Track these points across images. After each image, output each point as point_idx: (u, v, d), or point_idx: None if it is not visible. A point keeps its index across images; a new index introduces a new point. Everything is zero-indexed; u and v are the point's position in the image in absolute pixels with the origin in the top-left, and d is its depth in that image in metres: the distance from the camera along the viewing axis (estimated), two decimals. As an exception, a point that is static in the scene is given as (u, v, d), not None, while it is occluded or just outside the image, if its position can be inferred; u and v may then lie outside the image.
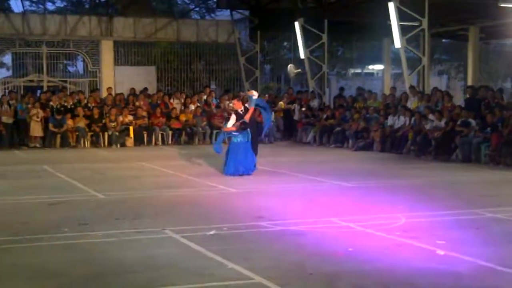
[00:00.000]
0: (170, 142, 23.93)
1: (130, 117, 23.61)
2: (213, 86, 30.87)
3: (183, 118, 24.40)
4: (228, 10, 31.28)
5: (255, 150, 15.35)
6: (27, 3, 36.17)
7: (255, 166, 15.17)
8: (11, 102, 23.02)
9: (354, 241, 8.31)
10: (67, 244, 8.26)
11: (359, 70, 48.27)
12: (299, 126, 25.20)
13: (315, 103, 26.06)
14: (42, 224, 9.47)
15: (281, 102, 26.29)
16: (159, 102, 25.02)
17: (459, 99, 29.02)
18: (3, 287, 6.43)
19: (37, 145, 22.64)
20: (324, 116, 24.11)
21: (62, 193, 12.46)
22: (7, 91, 26.62)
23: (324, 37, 26.73)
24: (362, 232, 8.83)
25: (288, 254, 7.68)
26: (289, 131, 25.97)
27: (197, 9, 38.00)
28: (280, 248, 7.96)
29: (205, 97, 26.10)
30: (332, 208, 10.58)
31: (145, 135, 23.60)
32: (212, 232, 8.77)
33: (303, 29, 26.51)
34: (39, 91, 27.75)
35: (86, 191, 12.78)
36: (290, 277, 6.69)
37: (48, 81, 29.00)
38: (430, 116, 19.54)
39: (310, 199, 11.63)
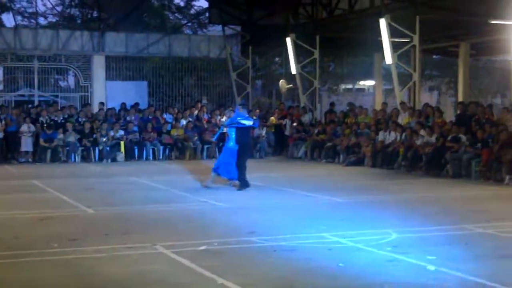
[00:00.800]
0: (161, 157, 23.90)
1: (121, 132, 23.57)
2: (204, 101, 30.88)
3: (174, 133, 24.38)
4: (220, 26, 31.37)
5: (242, 165, 15.25)
6: (19, 17, 36.24)
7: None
8: (2, 116, 22.95)
9: (345, 256, 8.30)
10: (57, 260, 8.23)
11: (350, 86, 48.37)
12: (290, 141, 25.22)
13: (306, 119, 26.11)
14: (32, 239, 9.44)
15: (272, 118, 26.30)
16: (150, 117, 25.00)
17: (450, 115, 29.11)
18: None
19: (28, 160, 22.58)
20: (316, 131, 24.16)
21: (52, 208, 12.43)
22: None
23: (316, 53, 26.81)
24: (353, 247, 8.83)
25: (279, 269, 7.66)
26: (281, 146, 25.99)
27: (189, 24, 38.10)
28: (271, 264, 7.94)
29: (196, 112, 26.10)
30: (323, 223, 10.56)
31: (136, 150, 23.56)
32: (203, 248, 8.75)
33: (295, 45, 26.59)
34: (30, 106, 27.70)
35: (77, 206, 12.74)
36: (280, 293, 6.67)
37: (39, 96, 28.98)
38: (421, 132, 19.60)
39: (302, 214, 11.63)
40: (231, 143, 15.26)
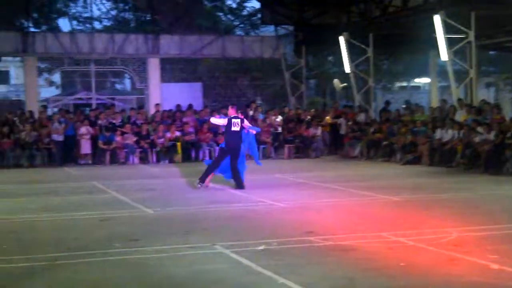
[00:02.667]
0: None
1: (178, 133, 23.81)
2: (258, 101, 31.00)
3: (229, 133, 24.44)
4: (273, 26, 31.41)
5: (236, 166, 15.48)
6: (75, 22, 36.99)
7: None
8: (61, 120, 23.43)
9: (406, 256, 8.23)
10: (119, 260, 8.35)
11: (405, 84, 47.94)
12: (345, 141, 25.13)
13: (361, 117, 25.97)
14: (94, 240, 9.60)
15: (327, 117, 26.26)
16: (206, 118, 25.18)
17: (508, 112, 28.59)
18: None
19: (87, 162, 22.99)
20: (371, 130, 24.01)
21: (112, 209, 12.62)
22: (57, 109, 27.11)
23: (370, 51, 26.65)
24: (413, 247, 8.75)
25: (339, 269, 7.65)
26: (336, 146, 25.92)
27: (241, 25, 38.25)
28: (331, 263, 7.93)
29: (251, 112, 26.19)
30: (382, 222, 10.51)
31: (193, 151, 23.77)
32: (261, 247, 8.78)
33: (348, 43, 26.47)
34: (87, 109, 28.20)
35: (136, 207, 12.91)
36: (342, 292, 6.65)
37: (97, 99, 29.48)
38: (479, 129, 19.30)
39: (359, 214, 11.59)
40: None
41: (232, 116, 15.59)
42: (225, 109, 26.28)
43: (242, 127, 15.56)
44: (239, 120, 15.52)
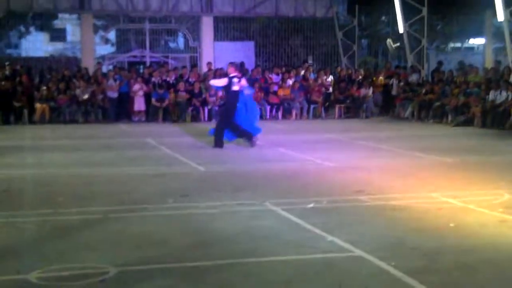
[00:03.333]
0: (267, 116, 24.14)
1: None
2: (310, 61, 30.87)
3: (281, 93, 24.53)
4: (326, -15, 31.10)
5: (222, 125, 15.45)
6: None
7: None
8: (116, 77, 23.74)
9: (455, 216, 8.23)
10: (170, 215, 8.54)
11: (458, 45, 47.03)
12: (397, 101, 24.93)
13: (413, 78, 25.69)
14: (146, 195, 9.80)
15: (380, 77, 26.05)
16: (258, 77, 25.21)
17: None
18: (112, 253, 6.71)
19: (141, 119, 23.32)
20: (423, 91, 23.76)
21: (164, 166, 12.83)
22: (111, 66, 27.46)
23: (424, 11, 26.24)
24: (464, 208, 8.74)
25: (389, 228, 7.70)
26: (387, 106, 25.74)
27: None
28: (381, 223, 7.99)
29: (302, 72, 26.12)
30: (432, 183, 10.49)
31: (244, 110, 23.84)
32: (311, 205, 8.88)
33: (402, 3, 26.09)
34: (141, 67, 28.49)
35: (188, 163, 13.10)
36: (391, 251, 6.69)
37: (150, 56, 29.74)
38: (535, 91, 18.97)
39: (410, 174, 11.57)
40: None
41: (232, 75, 15.55)
42: (277, 68, 26.47)
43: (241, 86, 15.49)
44: (237, 79, 15.48)
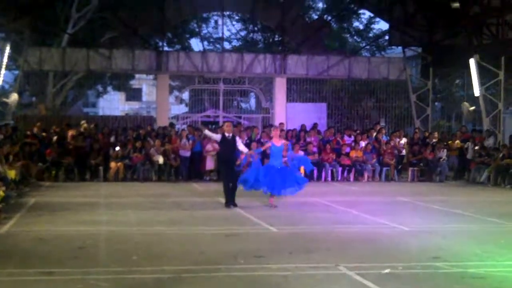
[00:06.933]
0: (339, 178, 24.00)
1: (301, 153, 23.87)
2: (382, 123, 30.74)
3: (353, 154, 24.40)
4: (398, 47, 31.13)
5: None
6: (206, 42, 38.09)
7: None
8: (189, 136, 24.07)
9: (538, 287, 7.93)
10: (243, 276, 8.47)
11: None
12: (472, 166, 24.44)
13: (490, 142, 25.21)
14: (219, 255, 9.77)
15: (457, 141, 25.66)
16: (330, 138, 25.18)
17: None
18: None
19: (212, 178, 23.47)
20: (500, 155, 23.24)
21: (237, 225, 12.85)
22: (185, 126, 27.91)
23: (501, 74, 25.89)
24: (546, 278, 8.41)
25: (467, 297, 7.46)
26: (462, 170, 25.27)
27: (368, 47, 38.12)
28: (459, 291, 7.76)
29: (375, 134, 25.97)
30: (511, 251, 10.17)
31: (316, 171, 23.79)
32: (387, 271, 8.69)
33: (478, 66, 25.82)
34: (214, 126, 28.84)
35: (260, 224, 13.07)
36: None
37: (224, 116, 30.14)
38: None
39: (488, 241, 11.23)
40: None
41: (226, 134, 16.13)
42: (349, 130, 26.42)
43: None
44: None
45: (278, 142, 16.19)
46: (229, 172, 16.08)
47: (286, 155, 16.41)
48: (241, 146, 16.48)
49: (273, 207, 15.64)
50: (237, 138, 16.46)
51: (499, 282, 8.22)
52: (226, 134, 16.15)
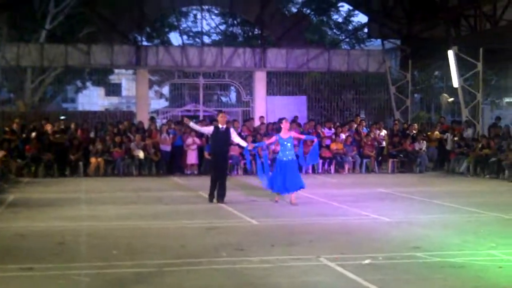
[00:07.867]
0: (320, 170, 24.06)
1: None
2: (362, 116, 30.84)
3: (333, 147, 24.47)
4: (377, 40, 31.22)
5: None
6: (185, 37, 37.97)
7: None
8: (170, 131, 24.02)
9: (517, 275, 8.01)
10: (225, 269, 8.47)
11: (514, 99, 46.45)
12: (451, 156, 24.61)
13: (468, 133, 25.37)
14: (200, 248, 9.78)
15: (436, 132, 25.81)
16: (310, 131, 25.22)
17: None
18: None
19: (193, 172, 23.45)
20: (479, 146, 23.41)
21: (218, 219, 12.84)
22: (165, 120, 27.83)
23: (479, 66, 26.04)
24: (525, 266, 8.50)
25: (448, 286, 7.53)
26: (441, 161, 25.44)
27: (347, 39, 38.21)
28: (439, 280, 7.81)
29: (355, 126, 26.05)
30: (492, 240, 10.24)
31: (296, 164, 23.81)
32: (367, 261, 8.74)
33: (457, 57, 25.95)
34: (195, 120, 28.77)
35: (241, 217, 13.08)
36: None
37: (204, 111, 30.10)
38: None
39: (467, 231, 11.32)
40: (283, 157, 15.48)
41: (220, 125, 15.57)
42: (329, 122, 26.49)
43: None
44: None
45: (285, 134, 15.58)
46: (218, 166, 15.43)
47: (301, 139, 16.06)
48: (236, 139, 16.07)
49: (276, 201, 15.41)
50: (232, 130, 15.82)
51: (478, 271, 8.28)
52: (220, 126, 15.45)
